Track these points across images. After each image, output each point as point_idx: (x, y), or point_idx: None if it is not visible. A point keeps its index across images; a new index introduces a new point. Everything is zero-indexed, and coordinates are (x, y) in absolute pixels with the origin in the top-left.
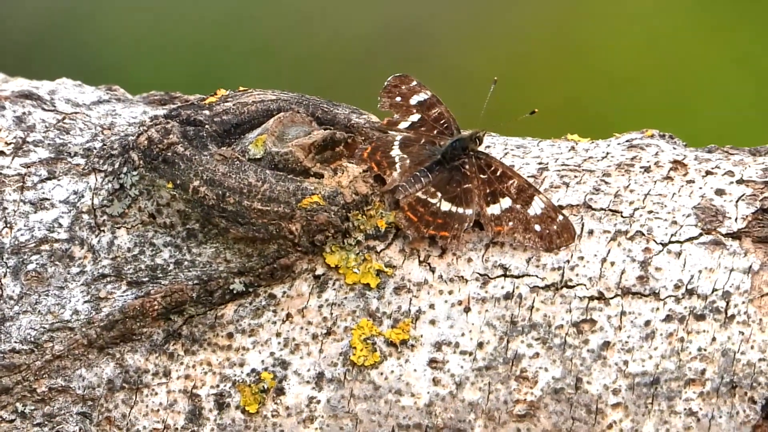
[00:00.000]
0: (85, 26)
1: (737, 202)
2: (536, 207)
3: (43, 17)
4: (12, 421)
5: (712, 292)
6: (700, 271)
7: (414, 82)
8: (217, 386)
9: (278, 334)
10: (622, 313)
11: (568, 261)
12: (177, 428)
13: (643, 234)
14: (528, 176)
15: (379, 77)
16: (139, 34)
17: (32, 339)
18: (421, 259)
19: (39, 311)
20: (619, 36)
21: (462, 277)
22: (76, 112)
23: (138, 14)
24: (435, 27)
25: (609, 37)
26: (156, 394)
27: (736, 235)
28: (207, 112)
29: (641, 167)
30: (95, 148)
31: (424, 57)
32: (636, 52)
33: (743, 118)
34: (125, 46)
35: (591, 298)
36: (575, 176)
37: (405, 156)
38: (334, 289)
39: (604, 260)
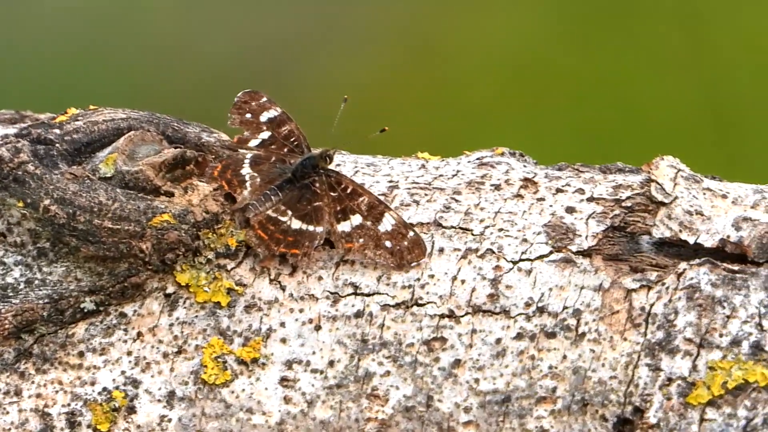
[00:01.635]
0: None
1: (588, 219)
2: (387, 223)
3: None
4: None
5: (563, 309)
6: (550, 289)
7: (264, 98)
8: (69, 405)
9: (129, 353)
10: (473, 331)
11: (419, 279)
12: None
13: (494, 252)
14: (379, 194)
15: (232, 95)
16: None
17: None
18: (272, 277)
19: None
20: (477, 61)
21: (312, 295)
22: None
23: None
24: (293, 50)
25: (467, 62)
26: (7, 413)
27: (586, 253)
28: (58, 131)
29: (492, 185)
30: None
31: (283, 79)
32: (493, 77)
33: (604, 138)
34: None
35: (442, 316)
36: (426, 194)
37: (255, 174)
38: (185, 308)
39: (454, 278)
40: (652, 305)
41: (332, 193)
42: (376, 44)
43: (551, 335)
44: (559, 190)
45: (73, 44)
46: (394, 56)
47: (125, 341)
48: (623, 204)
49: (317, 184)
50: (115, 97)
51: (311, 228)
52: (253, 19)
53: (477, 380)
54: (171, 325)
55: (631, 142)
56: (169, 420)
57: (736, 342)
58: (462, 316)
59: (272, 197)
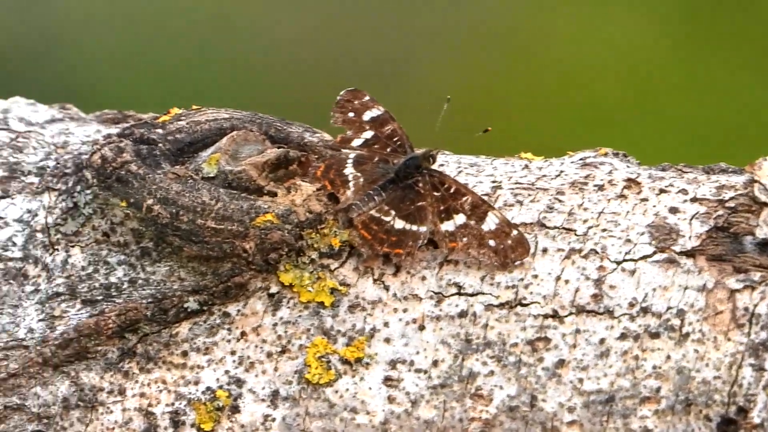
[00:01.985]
0: (57, 45)
1: (691, 220)
2: (490, 223)
3: (13, 37)
4: None
5: (667, 310)
6: (654, 289)
7: (366, 97)
8: (172, 404)
9: (233, 352)
10: (577, 331)
11: (522, 279)
12: None
13: (597, 252)
14: (482, 194)
15: (334, 94)
16: (111, 52)
17: None
18: (376, 277)
19: None
20: (580, 63)
21: (416, 295)
22: (29, 131)
23: (111, 34)
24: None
25: (569, 64)
26: (111, 412)
27: (690, 254)
28: (160, 131)
29: (595, 185)
30: (49, 167)
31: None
32: (597, 75)
33: (702, 139)
34: (97, 65)
35: (545, 316)
36: (529, 194)
37: (358, 174)
38: (289, 308)
39: (558, 278)
40: (755, 305)
41: (435, 193)
42: (479, 46)
43: (655, 335)
44: (662, 191)
45: (177, 45)
46: (497, 57)
47: (229, 341)
48: (727, 204)
49: (420, 184)
50: (218, 95)
51: (415, 228)
52: (359, 18)
53: (581, 380)
54: (275, 324)
55: (734, 143)
56: (273, 419)
57: None
58: (566, 316)
59: (376, 197)
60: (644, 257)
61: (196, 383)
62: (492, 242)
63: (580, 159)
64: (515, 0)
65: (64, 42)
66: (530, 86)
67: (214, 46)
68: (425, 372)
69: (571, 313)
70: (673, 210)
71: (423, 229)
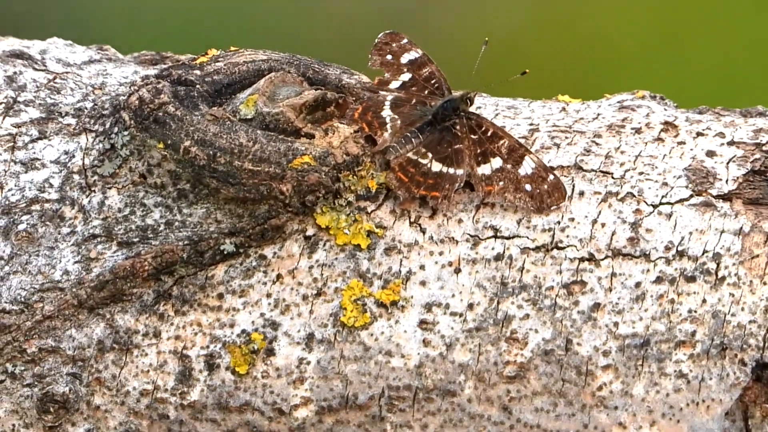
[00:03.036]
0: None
1: (728, 163)
2: (527, 167)
3: None
4: (2, 381)
5: (703, 253)
6: (690, 233)
7: (405, 40)
8: (207, 347)
9: (269, 295)
10: (613, 274)
11: (559, 222)
12: (167, 389)
13: (634, 195)
14: (519, 137)
15: (372, 38)
16: (134, 8)
17: (22, 299)
18: (412, 220)
19: (29, 271)
20: (613, 7)
21: (452, 238)
22: (67, 72)
23: None
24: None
25: (607, 10)
26: (146, 354)
27: (727, 197)
28: (198, 72)
29: (632, 128)
30: (86, 108)
31: (418, 27)
32: (631, 23)
33: (738, 85)
34: (119, 18)
35: (581, 260)
36: (566, 137)
37: (396, 117)
38: (325, 250)
39: (594, 222)
40: None
41: (473, 136)
42: None
43: (691, 279)
44: (699, 134)
45: None
46: (531, 7)
47: (265, 283)
48: (764, 148)
49: (458, 127)
50: (255, 36)
51: (452, 171)
52: None
53: (616, 324)
54: (311, 267)
55: None
56: (308, 363)
57: None
58: (602, 260)
59: (413, 140)
60: (681, 200)
61: (232, 326)
62: (528, 186)
63: (618, 102)
64: None
65: None
66: (565, 29)
67: None
68: (460, 315)
69: (607, 257)
70: (710, 153)
71: (460, 172)
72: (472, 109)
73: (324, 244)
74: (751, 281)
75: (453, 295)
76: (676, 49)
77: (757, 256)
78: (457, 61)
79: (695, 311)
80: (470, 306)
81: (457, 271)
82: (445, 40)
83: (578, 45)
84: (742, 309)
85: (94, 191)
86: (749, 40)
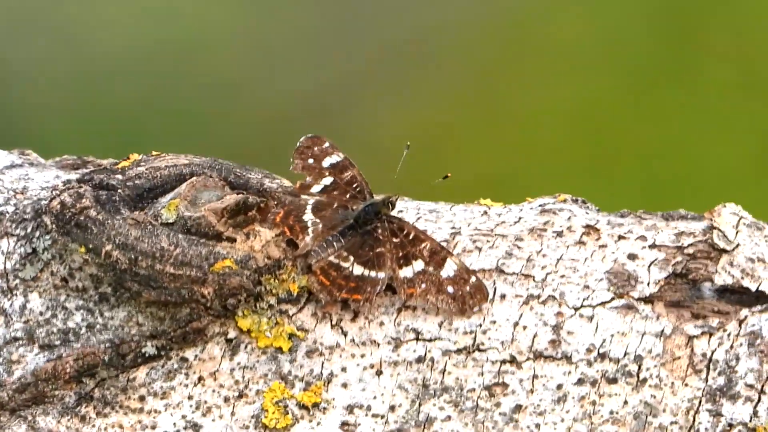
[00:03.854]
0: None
1: (650, 266)
2: (449, 269)
3: None
4: None
5: (624, 355)
6: (612, 335)
7: (326, 144)
8: None
9: (190, 397)
10: (534, 376)
11: (480, 325)
12: None
13: (555, 298)
14: (441, 241)
15: (293, 136)
16: (57, 110)
17: None
18: (334, 322)
19: None
20: (541, 110)
21: (374, 340)
22: None
23: (54, 80)
24: (351, 93)
25: (531, 111)
26: None
27: (648, 299)
28: (120, 177)
29: (554, 232)
30: (8, 212)
31: (344, 125)
32: (556, 121)
33: (666, 187)
34: (43, 112)
35: (503, 362)
36: (488, 241)
37: (317, 220)
38: (246, 353)
39: (516, 324)
40: (713, 351)
41: (394, 239)
42: (437, 93)
43: (613, 381)
44: (621, 237)
45: (133, 87)
46: (456, 105)
47: (186, 385)
48: (685, 251)
49: (379, 230)
50: (178, 139)
51: (373, 274)
52: (310, 64)
53: (538, 425)
54: (232, 369)
55: (692, 190)
56: None
57: None
58: (524, 362)
59: (334, 243)
60: (602, 303)
61: (153, 428)
62: (450, 289)
63: (539, 205)
64: (475, 52)
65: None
66: (488, 134)
67: (166, 91)
68: (382, 417)
69: (528, 359)
70: (632, 256)
71: (382, 275)
72: (393, 212)
73: (246, 347)
74: (672, 383)
75: (375, 397)
76: (598, 151)
77: (679, 357)
78: (380, 163)
79: (617, 412)
80: (392, 408)
81: (379, 373)
82: (368, 142)
83: (501, 147)
84: (664, 410)
85: (16, 295)
86: (670, 145)
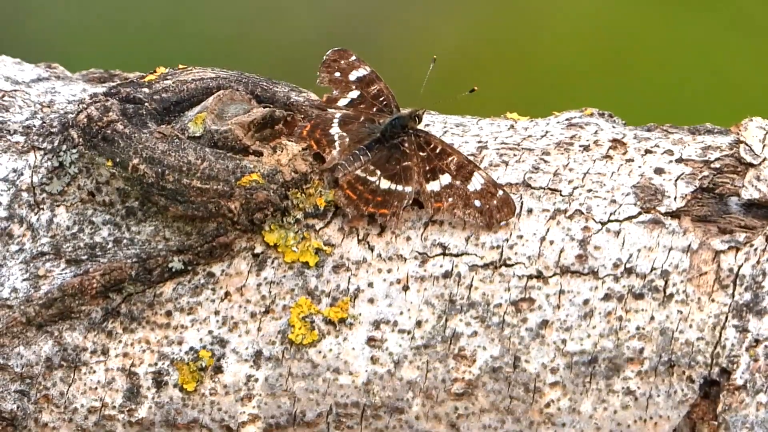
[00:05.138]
0: (28, 12)
1: (676, 181)
2: (476, 183)
3: None
4: None
5: (651, 271)
6: (639, 250)
7: (353, 57)
8: (155, 364)
9: (216, 312)
10: (561, 291)
11: (507, 240)
12: (115, 406)
13: (582, 213)
14: (468, 155)
15: (319, 59)
16: (85, 20)
17: None
18: (360, 237)
19: None
20: (568, 25)
21: (401, 255)
22: (15, 90)
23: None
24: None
25: (558, 26)
26: (94, 372)
27: (675, 214)
28: (146, 90)
29: (580, 146)
30: (35, 126)
31: (370, 38)
32: (583, 42)
33: (687, 102)
34: (68, 35)
35: (530, 277)
36: (514, 155)
37: (344, 134)
38: (273, 268)
39: (543, 239)
40: (740, 266)
41: (421, 153)
42: (462, 10)
43: (639, 296)
44: (647, 151)
45: (157, 15)
46: (481, 21)
47: (213, 301)
48: (712, 165)
49: (406, 144)
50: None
51: (400, 188)
52: None
53: (564, 341)
54: (259, 284)
55: (719, 104)
56: (256, 380)
57: None
58: (550, 277)
59: (361, 157)
60: (629, 218)
61: (180, 343)
62: (477, 202)
63: (566, 119)
64: None
65: (34, 10)
66: (514, 47)
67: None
68: (408, 332)
69: (555, 274)
70: (659, 170)
71: (408, 189)
72: (420, 126)
73: (272, 262)
74: (699, 298)
75: (401, 313)
76: (625, 66)
77: (705, 273)
78: (406, 78)
79: (643, 328)
80: (418, 323)
81: (406, 288)
82: (394, 58)
83: (526, 62)
84: (690, 326)
85: (43, 209)
86: (697, 58)
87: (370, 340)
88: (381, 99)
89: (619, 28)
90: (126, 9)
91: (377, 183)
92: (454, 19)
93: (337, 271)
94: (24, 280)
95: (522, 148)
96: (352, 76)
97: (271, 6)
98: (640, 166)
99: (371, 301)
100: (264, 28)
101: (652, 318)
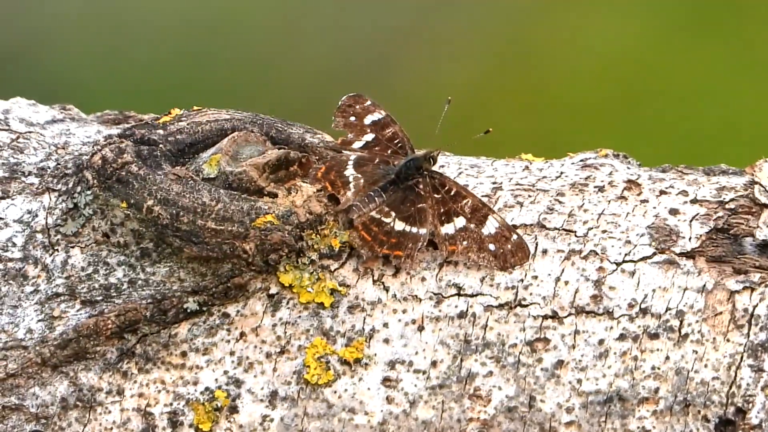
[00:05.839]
0: (45, 48)
1: (691, 221)
2: (490, 226)
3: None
4: None
5: (666, 311)
6: (653, 290)
7: (368, 102)
8: (171, 404)
9: (232, 353)
10: (576, 332)
11: (522, 280)
12: None
13: (597, 253)
14: (482, 196)
15: (332, 100)
16: (102, 55)
17: None
18: (375, 278)
19: None
20: (580, 63)
21: (416, 296)
22: (30, 132)
23: (100, 35)
24: (398, 52)
25: (570, 64)
26: (109, 412)
27: (690, 255)
28: (161, 132)
29: (595, 187)
30: (49, 168)
31: (384, 81)
32: (596, 79)
33: (707, 140)
34: (88, 67)
35: (545, 317)
36: (529, 196)
37: (359, 175)
38: (288, 308)
39: (557, 279)
40: (755, 306)
41: (436, 195)
42: (477, 48)
43: (654, 336)
44: (662, 192)
45: (174, 51)
46: (496, 60)
47: (228, 341)
48: (727, 206)
49: (421, 186)
50: (219, 100)
51: (415, 230)
52: (353, 19)
53: (579, 381)
54: (274, 325)
55: (733, 145)
56: (272, 420)
57: None
58: (565, 317)
59: (376, 198)
60: (644, 258)
61: (195, 383)
62: (492, 246)
63: (581, 160)
64: (511, 3)
65: (51, 43)
66: (528, 86)
67: (208, 48)
68: (424, 372)
69: (570, 314)
70: (673, 211)
71: (423, 231)
72: (435, 167)
73: (287, 302)
74: (714, 338)
75: (416, 353)
76: (640, 107)
77: (720, 313)
78: (421, 120)
79: (658, 368)
80: (434, 363)
81: (421, 328)
82: (408, 100)
83: (541, 104)
84: (705, 366)
85: (57, 250)
86: (711, 99)
87: (386, 380)
88: (396, 141)
89: (634, 69)
90: (138, 42)
91: (392, 224)
92: (468, 59)
93: (352, 311)
94: (39, 321)
95: (537, 189)
96: (367, 119)
97: (284, 45)
98: (654, 207)
99: (386, 341)
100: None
101: (668, 358)
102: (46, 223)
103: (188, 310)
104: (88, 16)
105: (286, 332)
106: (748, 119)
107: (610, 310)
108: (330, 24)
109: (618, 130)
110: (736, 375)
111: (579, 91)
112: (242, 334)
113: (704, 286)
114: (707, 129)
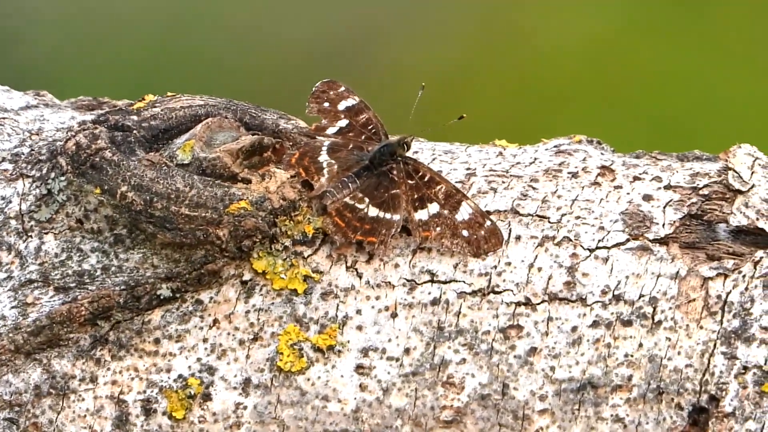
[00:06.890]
0: (16, 40)
1: (665, 207)
2: (464, 212)
3: None
4: None
5: (639, 297)
6: (627, 277)
7: (342, 88)
8: (144, 392)
9: (205, 340)
10: (549, 319)
11: (495, 266)
12: None
13: (570, 239)
14: (456, 182)
15: (308, 83)
16: (74, 46)
17: None
18: (348, 264)
19: None
20: (555, 49)
21: (389, 282)
22: (4, 117)
23: (71, 26)
24: (372, 36)
25: (545, 50)
26: (83, 399)
27: (663, 241)
28: (135, 118)
29: (569, 173)
30: (23, 154)
31: (361, 66)
32: (571, 65)
33: (681, 126)
34: (56, 63)
35: (518, 304)
36: (503, 182)
37: (333, 161)
38: (261, 295)
39: (531, 266)
40: (728, 293)
41: (410, 181)
42: (452, 31)
43: (627, 323)
44: (636, 178)
45: (151, 35)
46: (471, 44)
47: (201, 328)
48: (700, 192)
49: (395, 172)
50: (190, 87)
51: (388, 216)
52: (327, 5)
53: (552, 368)
54: (247, 312)
55: (707, 131)
56: (245, 407)
57: None
58: (538, 304)
59: (350, 184)
60: (617, 244)
61: (168, 371)
62: (465, 232)
63: (554, 146)
64: None
65: (23, 38)
66: (504, 73)
67: (180, 37)
68: (397, 360)
69: (543, 301)
70: (647, 197)
71: (397, 217)
72: (409, 153)
73: (260, 289)
74: (687, 325)
75: (389, 340)
76: (614, 92)
77: (694, 300)
78: (395, 107)
79: (632, 355)
80: (407, 350)
81: (394, 315)
82: (382, 86)
83: (516, 89)
84: (679, 353)
85: (31, 236)
86: (686, 85)
87: (359, 368)
88: (370, 127)
89: (609, 55)
90: (115, 35)
91: (365, 210)
92: (442, 45)
93: (325, 298)
94: (12, 307)
95: (510, 175)
96: (341, 105)
97: (257, 30)
98: (628, 193)
99: (359, 328)
100: (250, 52)
101: (641, 345)
102: (20, 209)
103: (161, 297)
104: (62, 10)
105: (259, 319)
106: (722, 105)
107: (584, 297)
108: (305, 9)
109: (593, 115)
110: (709, 362)
111: (554, 77)
112: (215, 321)
113: (677, 272)
114: (682, 115)
